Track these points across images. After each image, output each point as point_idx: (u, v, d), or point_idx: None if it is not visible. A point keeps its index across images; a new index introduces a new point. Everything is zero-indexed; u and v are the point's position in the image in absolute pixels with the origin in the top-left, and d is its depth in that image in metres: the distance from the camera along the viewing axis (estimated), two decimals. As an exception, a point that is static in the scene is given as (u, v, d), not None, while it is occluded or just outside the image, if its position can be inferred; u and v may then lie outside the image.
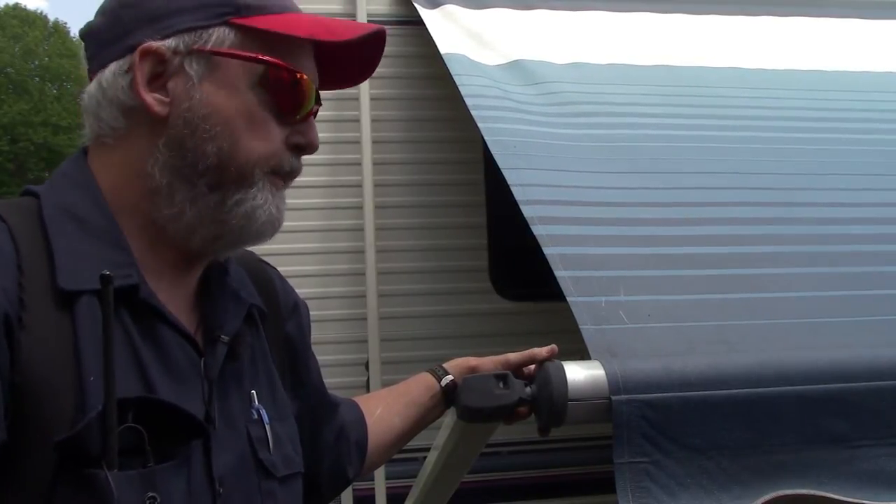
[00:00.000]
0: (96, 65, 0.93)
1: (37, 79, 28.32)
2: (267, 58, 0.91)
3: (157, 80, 0.90)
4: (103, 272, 0.79)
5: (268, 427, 0.97)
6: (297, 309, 1.15)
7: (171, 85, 0.90)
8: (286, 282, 1.16)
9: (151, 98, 0.89)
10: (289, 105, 0.93)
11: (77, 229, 0.87)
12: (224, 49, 0.90)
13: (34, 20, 29.38)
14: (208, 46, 0.90)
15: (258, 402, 0.98)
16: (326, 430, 1.20)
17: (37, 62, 28.67)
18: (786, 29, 2.67)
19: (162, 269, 0.92)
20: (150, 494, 0.80)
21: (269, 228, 0.94)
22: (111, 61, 0.91)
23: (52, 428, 0.77)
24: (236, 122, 0.90)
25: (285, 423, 1.02)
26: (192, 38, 0.90)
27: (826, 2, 2.83)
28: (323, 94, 1.00)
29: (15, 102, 26.59)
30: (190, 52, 0.90)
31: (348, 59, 1.02)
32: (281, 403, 1.03)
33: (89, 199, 0.89)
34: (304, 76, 0.94)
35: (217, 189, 0.90)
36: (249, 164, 0.91)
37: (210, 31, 0.90)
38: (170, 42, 0.89)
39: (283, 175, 0.95)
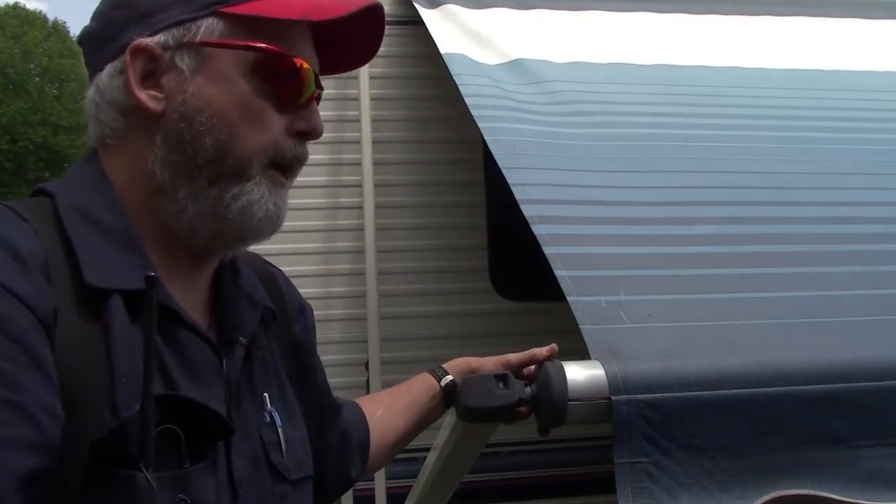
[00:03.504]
0: (93, 68, 0.93)
1: (36, 79, 28.32)
2: (257, 44, 0.90)
3: (151, 77, 0.89)
4: (148, 273, 0.78)
5: (280, 430, 0.97)
6: (303, 311, 1.15)
7: (164, 81, 0.89)
8: (291, 284, 1.16)
9: (145, 95, 0.89)
10: (286, 92, 0.91)
11: (94, 231, 0.86)
12: (213, 39, 0.89)
13: (34, 20, 29.37)
14: (197, 38, 0.89)
15: (270, 405, 0.98)
16: (331, 432, 1.20)
17: (36, 62, 28.68)
18: (786, 29, 2.67)
19: (174, 269, 0.91)
20: (181, 496, 0.79)
21: (268, 225, 0.92)
22: (106, 63, 0.91)
23: (83, 429, 0.76)
24: (232, 113, 0.89)
25: (296, 427, 1.02)
26: (180, 32, 0.89)
27: (826, 2, 2.83)
28: (323, 93, 0.99)
29: (13, 102, 26.59)
30: (180, 46, 0.89)
31: (348, 39, 0.99)
32: (291, 406, 1.03)
33: (103, 201, 0.89)
34: (300, 60, 0.92)
35: (216, 183, 0.89)
36: (247, 155, 0.89)
37: (198, 22, 0.89)
38: (159, 38, 0.89)
39: (286, 164, 0.93)
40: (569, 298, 1.35)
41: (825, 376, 1.20)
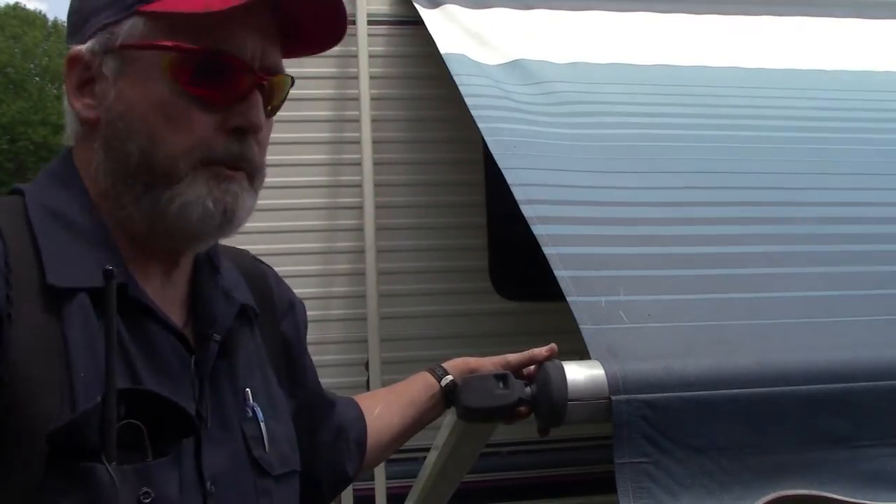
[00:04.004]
0: None
1: (36, 79, 28.30)
2: (167, 43, 0.86)
3: (88, 85, 0.90)
4: (106, 267, 0.78)
5: (262, 425, 0.97)
6: (292, 308, 1.14)
7: (97, 88, 0.89)
8: (282, 281, 1.15)
9: (80, 104, 0.89)
10: (211, 88, 0.87)
11: (61, 229, 0.86)
12: (132, 42, 0.87)
13: (34, 20, 29.37)
14: (118, 42, 0.88)
15: (252, 400, 0.97)
16: (324, 429, 1.20)
17: (36, 62, 28.66)
18: (786, 29, 2.67)
19: (148, 266, 0.91)
20: (145, 489, 0.79)
21: (211, 223, 0.88)
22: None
23: (39, 424, 0.77)
24: (151, 116, 0.86)
25: (281, 422, 1.02)
26: (105, 37, 0.88)
27: (826, 2, 2.83)
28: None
29: (14, 102, 26.58)
30: (105, 52, 0.88)
31: (311, 23, 0.95)
32: (277, 402, 1.03)
33: (74, 199, 0.89)
34: (225, 54, 0.87)
35: (151, 188, 0.88)
36: (170, 158, 0.86)
37: (122, 24, 0.88)
38: (89, 44, 0.89)
39: (222, 162, 0.88)
40: (569, 298, 1.35)
41: (825, 376, 1.20)
